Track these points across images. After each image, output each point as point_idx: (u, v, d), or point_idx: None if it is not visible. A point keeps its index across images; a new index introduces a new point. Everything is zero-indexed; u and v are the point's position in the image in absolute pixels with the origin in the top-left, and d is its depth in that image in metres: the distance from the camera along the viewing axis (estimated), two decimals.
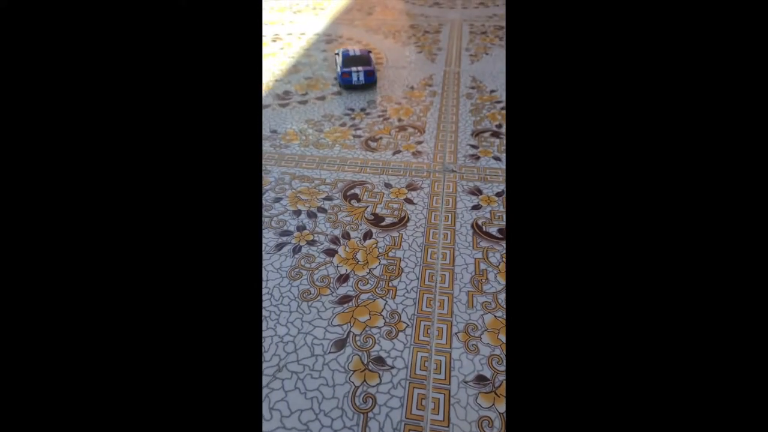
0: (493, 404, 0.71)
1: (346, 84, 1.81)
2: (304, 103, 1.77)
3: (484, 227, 1.09)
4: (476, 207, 1.16)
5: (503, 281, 0.94)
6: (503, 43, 2.32)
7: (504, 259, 0.99)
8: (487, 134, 1.50)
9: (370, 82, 1.82)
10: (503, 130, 1.52)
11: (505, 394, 0.73)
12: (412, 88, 1.86)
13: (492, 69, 2.01)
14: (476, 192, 1.22)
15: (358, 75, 1.79)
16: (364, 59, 1.83)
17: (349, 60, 1.83)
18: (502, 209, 1.15)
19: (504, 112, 1.64)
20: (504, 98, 1.74)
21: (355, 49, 1.91)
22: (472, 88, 1.84)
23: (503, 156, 1.37)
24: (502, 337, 0.82)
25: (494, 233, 1.07)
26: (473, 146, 1.43)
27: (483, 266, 0.98)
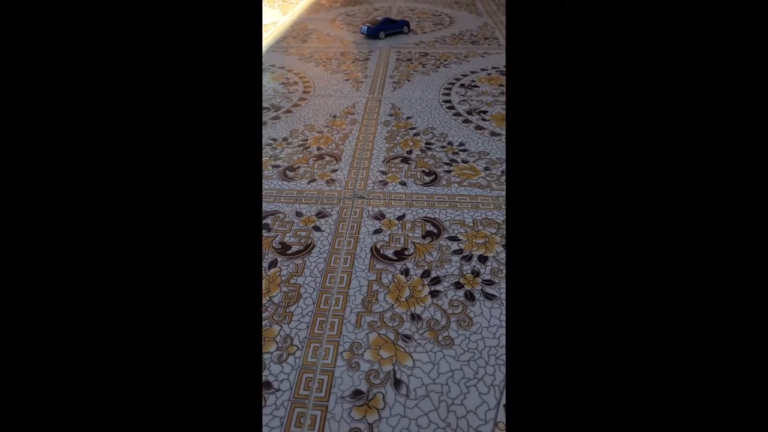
0: (365, 416, 0.79)
1: (361, 32, 3.14)
2: None
3: (381, 250, 1.19)
4: (378, 231, 1.26)
5: (391, 300, 1.03)
6: (425, 69, 2.49)
7: (395, 280, 1.09)
8: (397, 160, 1.62)
9: (371, 33, 3.06)
10: (413, 155, 1.65)
11: (377, 406, 0.81)
12: (334, 116, 1.97)
13: (411, 96, 2.15)
14: (380, 216, 1.32)
15: (363, 28, 3.11)
16: (375, 22, 3.09)
17: (366, 21, 3.20)
18: (401, 231, 1.26)
19: (416, 138, 1.77)
20: (418, 125, 1.88)
21: (379, 17, 3.24)
22: (391, 115, 1.97)
23: (409, 181, 1.49)
24: (383, 353, 0.91)
25: (390, 255, 1.17)
26: (383, 172, 1.54)
27: (375, 287, 1.07)
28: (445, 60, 2.63)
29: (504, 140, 1.73)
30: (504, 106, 2.01)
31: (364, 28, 3.08)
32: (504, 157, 1.62)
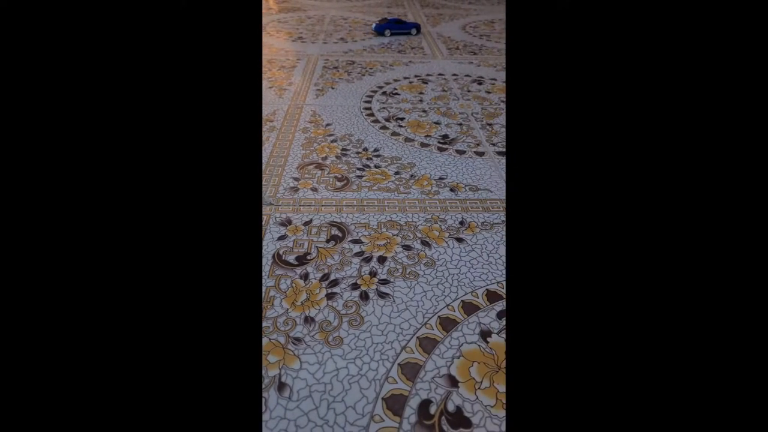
0: None
1: (372, 29, 3.51)
2: None
3: (283, 256, 1.20)
4: (282, 237, 1.27)
5: (287, 305, 1.04)
6: (350, 77, 2.54)
7: (293, 285, 1.10)
8: (311, 167, 1.64)
9: (378, 30, 3.43)
10: (328, 161, 1.67)
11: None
12: None
13: (333, 103, 2.19)
14: (286, 223, 1.33)
15: (374, 25, 3.46)
16: (383, 20, 3.45)
17: (378, 19, 3.62)
18: (306, 237, 1.27)
19: (333, 144, 1.80)
20: (336, 132, 1.91)
21: (389, 17, 3.78)
22: (310, 122, 1.99)
23: (321, 186, 1.52)
24: (271, 358, 0.91)
25: (291, 261, 1.18)
26: (295, 179, 1.56)
27: (272, 293, 1.07)
28: (371, 68, 2.70)
29: (417, 145, 1.81)
30: (420, 113, 2.10)
31: (374, 25, 3.47)
32: (414, 161, 1.69)
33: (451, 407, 0.83)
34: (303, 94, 2.29)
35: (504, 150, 1.80)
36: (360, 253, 1.21)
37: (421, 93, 2.34)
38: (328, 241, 1.26)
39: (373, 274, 1.14)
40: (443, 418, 0.81)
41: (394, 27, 3.43)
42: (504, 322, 1.01)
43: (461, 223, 1.35)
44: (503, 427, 0.80)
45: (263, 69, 2.61)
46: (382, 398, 0.84)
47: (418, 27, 3.48)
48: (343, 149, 1.76)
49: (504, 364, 0.92)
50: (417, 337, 0.97)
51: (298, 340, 0.95)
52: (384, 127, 1.95)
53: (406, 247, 1.24)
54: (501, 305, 1.06)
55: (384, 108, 2.15)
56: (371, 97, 2.28)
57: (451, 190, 1.52)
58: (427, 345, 0.95)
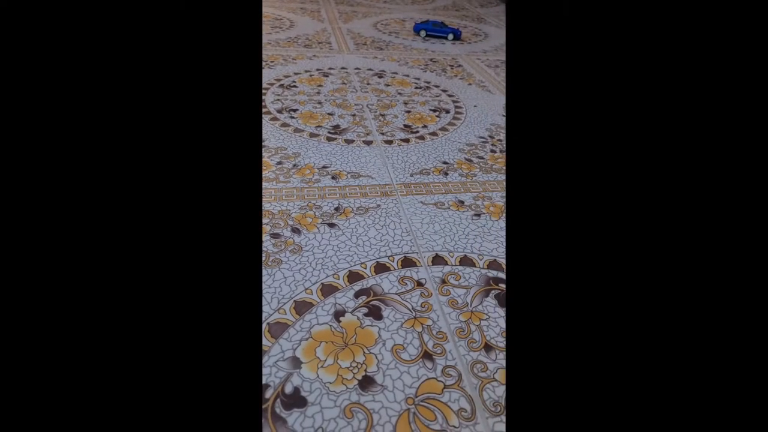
0: None
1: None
2: None
3: None
4: None
5: None
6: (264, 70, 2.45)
7: None
8: None
9: (415, 30, 3.38)
10: None
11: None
12: None
13: None
14: None
15: (414, 24, 3.56)
16: (422, 22, 3.39)
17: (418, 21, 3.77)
18: None
19: None
20: None
21: (428, 19, 3.72)
22: None
23: None
24: None
25: None
26: None
27: None
28: (272, 62, 2.63)
29: (306, 136, 1.78)
30: (315, 105, 2.08)
31: (413, 25, 3.51)
32: (300, 151, 1.66)
33: (288, 389, 0.81)
34: None
35: (391, 139, 1.84)
36: None
37: (320, 86, 2.32)
38: None
39: None
40: (278, 400, 0.79)
41: (430, 29, 3.32)
42: (360, 301, 1.02)
43: (336, 209, 1.35)
44: (338, 402, 0.80)
45: None
46: None
47: (456, 33, 3.31)
48: None
49: (351, 341, 0.92)
50: (267, 323, 0.94)
51: None
52: (274, 119, 1.90)
53: (274, 236, 1.21)
54: (360, 285, 1.07)
55: (278, 100, 2.10)
56: (267, 89, 2.21)
57: (333, 177, 1.51)
58: (277, 330, 0.93)
